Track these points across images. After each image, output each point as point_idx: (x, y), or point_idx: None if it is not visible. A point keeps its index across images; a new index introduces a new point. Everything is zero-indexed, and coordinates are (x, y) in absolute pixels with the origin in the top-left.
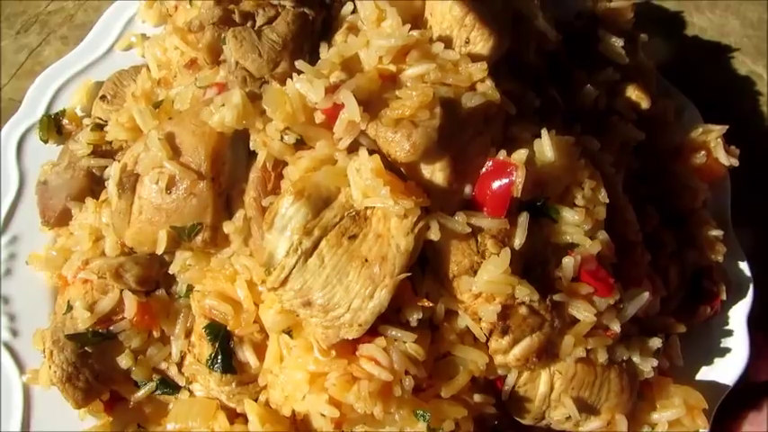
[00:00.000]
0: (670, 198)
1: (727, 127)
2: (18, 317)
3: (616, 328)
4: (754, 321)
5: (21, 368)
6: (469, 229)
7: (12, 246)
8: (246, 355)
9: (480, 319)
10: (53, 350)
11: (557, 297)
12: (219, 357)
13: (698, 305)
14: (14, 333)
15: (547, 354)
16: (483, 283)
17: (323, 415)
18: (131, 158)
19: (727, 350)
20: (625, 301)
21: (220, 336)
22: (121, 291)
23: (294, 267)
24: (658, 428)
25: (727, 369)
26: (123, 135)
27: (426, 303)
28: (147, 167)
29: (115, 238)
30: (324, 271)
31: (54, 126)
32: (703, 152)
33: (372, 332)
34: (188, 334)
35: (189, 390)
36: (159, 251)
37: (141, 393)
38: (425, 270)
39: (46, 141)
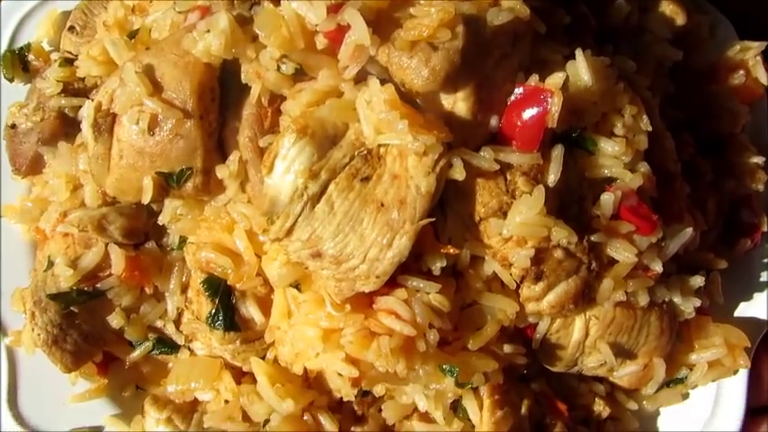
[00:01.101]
0: (706, 123)
1: (766, 43)
2: None
3: (658, 268)
4: None
5: (2, 330)
6: (497, 166)
7: None
8: (250, 310)
9: (511, 264)
10: (35, 311)
11: (594, 237)
12: (221, 314)
13: (738, 238)
14: None
15: (583, 299)
16: (515, 226)
17: (340, 375)
18: (106, 96)
19: (765, 286)
20: (667, 238)
21: (220, 291)
22: (106, 244)
23: (300, 215)
24: (697, 370)
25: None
26: (96, 70)
27: (451, 250)
28: (124, 106)
29: (95, 186)
30: (334, 218)
31: (19, 62)
32: (741, 71)
33: (391, 283)
34: (184, 289)
35: (189, 348)
36: (145, 200)
37: (137, 354)
38: (447, 212)
39: (11, 80)
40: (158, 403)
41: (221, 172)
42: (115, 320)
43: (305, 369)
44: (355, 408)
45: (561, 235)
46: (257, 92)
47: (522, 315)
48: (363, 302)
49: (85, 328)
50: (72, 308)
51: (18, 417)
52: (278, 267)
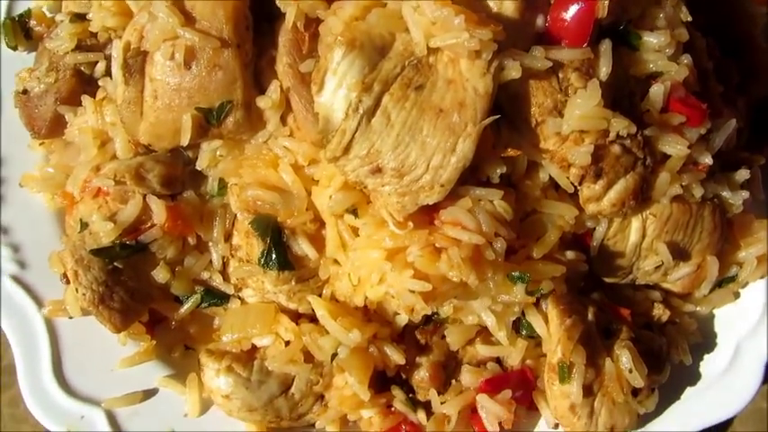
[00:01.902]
0: (726, 26)
1: None
2: (23, 247)
3: (708, 160)
4: None
5: (38, 302)
6: (549, 64)
7: None
8: (303, 247)
9: (570, 165)
10: (77, 270)
11: (648, 132)
12: (273, 253)
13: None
14: (22, 265)
15: (642, 195)
16: (574, 120)
17: (411, 291)
18: (135, 34)
19: None
20: (713, 130)
21: (270, 229)
22: (144, 196)
23: (357, 130)
24: (746, 267)
25: None
26: (111, 21)
27: (513, 152)
28: (156, 41)
29: (126, 137)
30: (392, 130)
31: (21, 29)
32: None
33: (449, 197)
34: (227, 237)
35: (239, 298)
36: (184, 141)
37: (185, 308)
38: (500, 123)
39: (15, 48)
40: (215, 355)
41: (262, 102)
42: (160, 275)
43: (364, 304)
44: (418, 337)
45: (621, 126)
46: (293, 16)
47: (580, 221)
48: (425, 219)
49: (131, 284)
50: (116, 264)
51: (67, 388)
52: (332, 194)
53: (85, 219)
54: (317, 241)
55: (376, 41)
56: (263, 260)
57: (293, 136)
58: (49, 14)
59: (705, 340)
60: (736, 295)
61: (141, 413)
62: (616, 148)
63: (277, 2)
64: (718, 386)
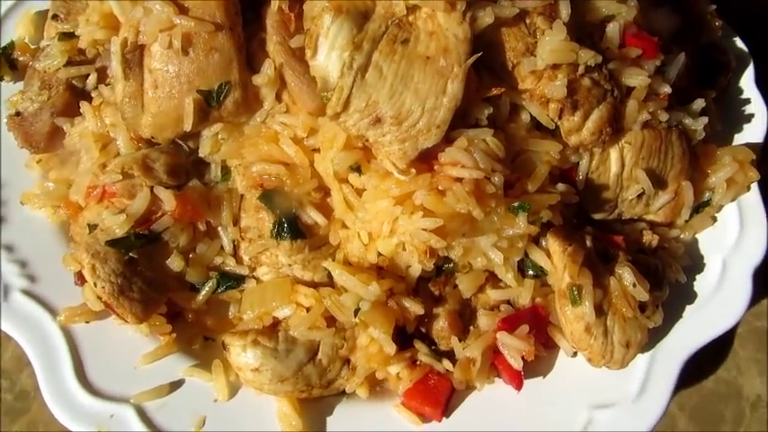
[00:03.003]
0: None
1: None
2: (30, 262)
3: (667, 89)
4: None
5: (52, 312)
6: (517, 11)
7: None
8: (311, 215)
9: (548, 101)
10: (94, 263)
11: (611, 66)
12: (285, 223)
13: (715, 76)
14: (32, 279)
15: (616, 124)
16: (547, 54)
17: (424, 230)
18: (131, 30)
19: (748, 115)
20: (666, 64)
21: (279, 201)
22: (151, 188)
23: (353, 86)
24: (718, 190)
25: (753, 130)
26: (100, 34)
27: (496, 90)
28: (153, 32)
29: (128, 134)
30: (386, 81)
31: (5, 61)
32: None
33: (445, 141)
34: (236, 221)
35: (254, 278)
36: (188, 127)
37: (203, 294)
38: (480, 71)
39: (1, 79)
40: (238, 333)
41: (259, 79)
42: (175, 263)
43: (377, 262)
44: (432, 289)
45: (588, 56)
46: None
47: (564, 156)
48: (425, 167)
49: (148, 274)
50: (131, 254)
51: (93, 390)
52: (335, 154)
53: (93, 221)
54: (324, 210)
55: (359, 7)
56: (275, 231)
57: (289, 112)
58: (32, 46)
59: (693, 262)
60: (714, 219)
61: (170, 404)
62: (587, 81)
63: None
64: (713, 302)
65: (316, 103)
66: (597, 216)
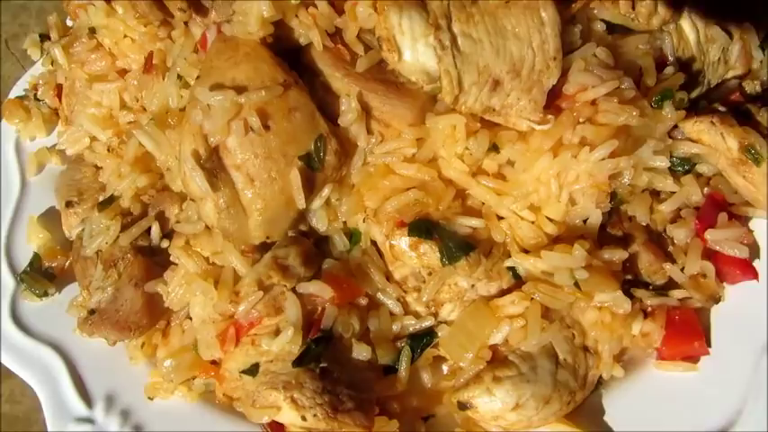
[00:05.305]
0: None
1: None
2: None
3: None
4: None
5: None
6: None
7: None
8: (466, 223)
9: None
10: (292, 394)
11: None
12: (450, 244)
13: None
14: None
15: None
16: None
17: (602, 160)
18: (195, 138)
19: None
20: None
21: (431, 224)
22: (292, 289)
23: (456, 63)
24: None
25: None
26: (141, 182)
27: (580, 2)
28: (222, 127)
29: (238, 251)
30: (483, 44)
31: (39, 274)
32: None
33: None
34: (389, 277)
35: (443, 323)
36: (301, 203)
37: (404, 369)
38: None
39: (44, 295)
40: (470, 384)
41: (345, 120)
42: (362, 352)
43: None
44: (613, 232)
45: None
46: (317, 37)
47: (653, 44)
48: (555, 110)
49: (345, 377)
50: (321, 365)
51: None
52: (464, 145)
53: (250, 362)
54: (470, 214)
55: None
56: (445, 257)
57: (385, 139)
58: (58, 247)
59: None
60: None
61: None
62: None
63: (296, 35)
64: None
65: (414, 111)
66: (694, 94)
